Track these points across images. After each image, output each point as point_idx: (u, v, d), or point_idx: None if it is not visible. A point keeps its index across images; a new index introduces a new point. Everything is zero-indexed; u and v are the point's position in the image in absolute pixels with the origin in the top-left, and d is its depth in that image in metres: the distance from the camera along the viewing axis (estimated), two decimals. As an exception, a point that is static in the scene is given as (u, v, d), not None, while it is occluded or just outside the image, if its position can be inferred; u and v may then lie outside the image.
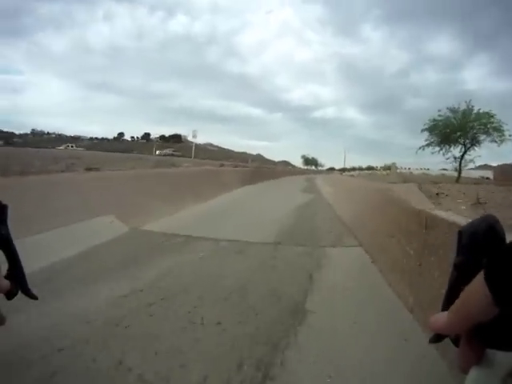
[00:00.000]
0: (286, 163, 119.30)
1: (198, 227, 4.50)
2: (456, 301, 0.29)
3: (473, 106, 9.76)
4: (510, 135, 9.35)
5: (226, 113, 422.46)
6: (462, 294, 0.28)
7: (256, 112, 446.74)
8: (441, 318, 0.31)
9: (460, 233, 0.33)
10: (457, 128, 9.82)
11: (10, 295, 0.48)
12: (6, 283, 0.45)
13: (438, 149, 10.69)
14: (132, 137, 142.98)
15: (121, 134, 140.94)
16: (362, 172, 38.53)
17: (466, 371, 0.31)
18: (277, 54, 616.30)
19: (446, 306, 0.32)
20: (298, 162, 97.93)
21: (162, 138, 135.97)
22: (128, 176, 5.92)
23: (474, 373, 0.30)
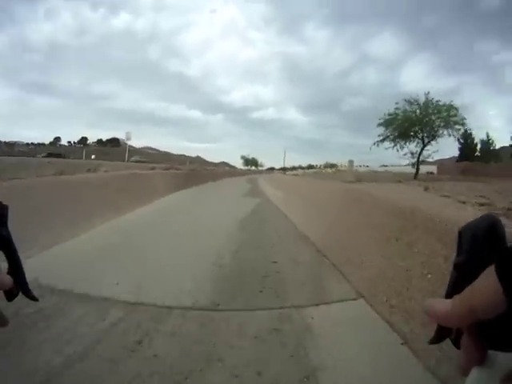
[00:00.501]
0: (225, 164, 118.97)
1: (89, 269, 2.62)
2: (462, 291, 0.27)
3: (432, 99, 9.32)
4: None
5: (165, 115, 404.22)
6: (471, 286, 0.26)
7: (196, 114, 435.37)
8: (442, 305, 0.28)
9: (460, 232, 0.32)
10: (415, 121, 9.27)
11: (10, 296, 0.44)
12: (9, 278, 0.42)
13: (392, 144, 10.17)
14: (69, 141, 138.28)
15: (57, 139, 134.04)
16: (306, 171, 36.74)
17: (466, 372, 0.29)
18: (219, 54, 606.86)
19: None
20: (238, 163, 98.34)
21: (100, 142, 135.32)
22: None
23: (474, 374, 0.29)
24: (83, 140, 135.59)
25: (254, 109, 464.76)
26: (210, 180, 16.34)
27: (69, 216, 3.87)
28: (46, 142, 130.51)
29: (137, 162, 32.54)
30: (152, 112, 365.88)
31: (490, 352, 0.28)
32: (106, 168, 9.00)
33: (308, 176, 14.63)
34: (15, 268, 0.45)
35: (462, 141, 25.08)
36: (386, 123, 9.95)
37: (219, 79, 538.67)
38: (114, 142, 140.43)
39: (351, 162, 18.11)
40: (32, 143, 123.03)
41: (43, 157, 30.66)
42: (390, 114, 9.86)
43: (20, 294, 0.46)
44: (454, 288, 0.29)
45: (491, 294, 0.24)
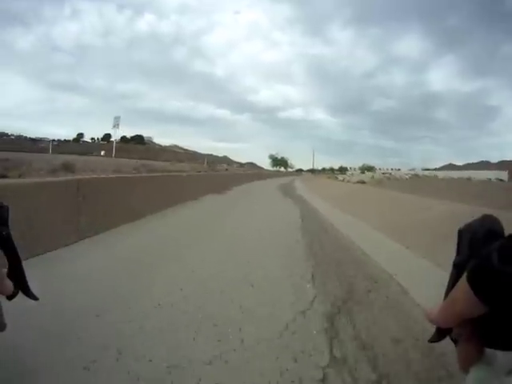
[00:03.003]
0: (252, 165, 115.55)
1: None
2: (446, 295, 0.31)
3: None
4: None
5: (192, 114, 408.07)
6: (451, 292, 0.30)
7: (223, 113, 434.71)
8: (434, 311, 0.32)
9: (460, 232, 0.32)
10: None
11: (10, 296, 0.45)
12: (10, 283, 0.44)
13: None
14: (92, 138, 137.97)
15: (80, 135, 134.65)
16: (359, 175, 29.62)
17: (465, 371, 0.31)
18: (245, 54, 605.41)
19: None
20: (265, 164, 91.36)
21: (123, 139, 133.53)
22: None
23: (473, 372, 0.30)
24: (106, 137, 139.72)
25: (281, 108, 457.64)
26: (215, 191, 9.46)
27: None
28: (71, 138, 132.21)
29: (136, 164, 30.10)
30: (179, 111, 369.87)
31: (490, 351, 0.29)
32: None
33: (378, 185, 10.53)
34: (15, 267, 0.45)
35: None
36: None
37: (245, 79, 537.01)
38: (138, 139, 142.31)
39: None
40: (58, 140, 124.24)
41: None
42: None
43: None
44: (454, 286, 0.30)
45: (467, 299, 0.27)
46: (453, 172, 46.86)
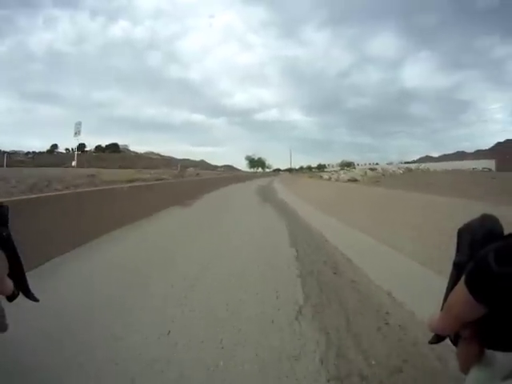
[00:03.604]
0: (229, 167, 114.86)
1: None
2: (445, 303, 0.30)
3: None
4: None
5: (168, 120, 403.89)
6: (449, 297, 0.29)
7: (199, 118, 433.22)
8: (435, 319, 0.31)
9: (460, 232, 0.32)
10: None
11: (10, 297, 0.45)
12: (10, 283, 0.43)
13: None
14: (66, 148, 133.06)
15: (54, 146, 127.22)
16: (343, 172, 24.65)
17: (465, 372, 0.31)
18: (219, 58, 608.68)
19: None
20: (243, 166, 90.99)
21: (98, 148, 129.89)
22: None
23: (473, 373, 0.30)
24: (81, 146, 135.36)
25: (257, 111, 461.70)
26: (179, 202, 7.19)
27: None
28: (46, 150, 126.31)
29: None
30: (154, 118, 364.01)
31: (489, 352, 0.29)
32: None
33: (375, 184, 8.74)
34: (15, 268, 0.45)
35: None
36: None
37: (221, 83, 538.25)
38: (113, 147, 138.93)
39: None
40: (33, 152, 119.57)
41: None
42: None
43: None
44: (454, 287, 0.30)
45: (466, 304, 0.27)
46: (431, 164, 46.32)
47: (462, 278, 0.27)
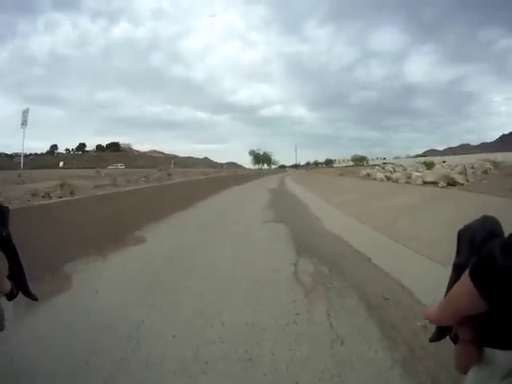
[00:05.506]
0: (233, 165, 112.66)
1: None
2: (446, 295, 0.30)
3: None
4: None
5: (172, 118, 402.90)
6: (451, 290, 0.29)
7: (203, 115, 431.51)
8: (434, 309, 0.31)
9: (459, 234, 0.32)
10: None
11: (10, 296, 0.45)
12: (7, 283, 0.43)
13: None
14: (67, 149, 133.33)
15: (54, 147, 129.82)
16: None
17: (465, 371, 0.31)
18: (222, 56, 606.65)
19: None
20: (246, 163, 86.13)
21: (99, 147, 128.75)
22: None
23: (473, 372, 0.30)
24: (81, 146, 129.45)
25: (261, 106, 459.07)
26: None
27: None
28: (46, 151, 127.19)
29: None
30: (158, 116, 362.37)
31: (489, 350, 0.29)
32: None
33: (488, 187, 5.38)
34: (15, 268, 0.45)
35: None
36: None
37: (225, 80, 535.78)
38: (114, 146, 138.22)
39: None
40: (35, 153, 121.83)
41: None
42: None
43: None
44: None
45: (469, 296, 0.26)
46: (437, 158, 43.40)
47: (467, 270, 0.27)
